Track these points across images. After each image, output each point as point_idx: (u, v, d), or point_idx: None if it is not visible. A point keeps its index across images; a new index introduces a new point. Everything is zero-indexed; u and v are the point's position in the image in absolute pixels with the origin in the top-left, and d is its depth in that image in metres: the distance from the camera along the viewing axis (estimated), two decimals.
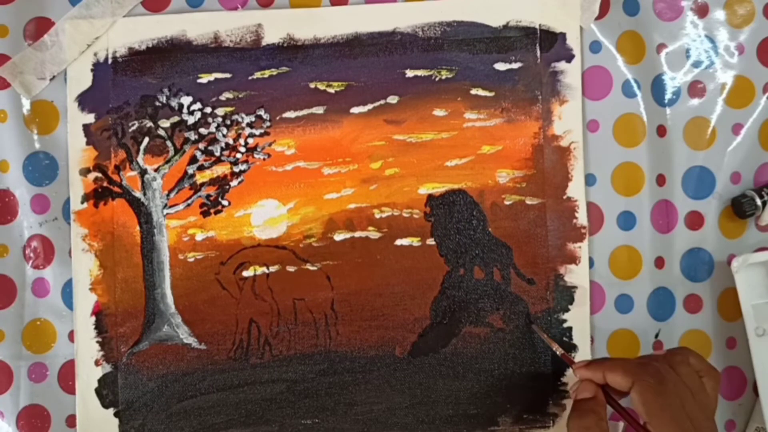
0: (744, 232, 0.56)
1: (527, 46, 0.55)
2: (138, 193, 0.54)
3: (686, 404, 0.42)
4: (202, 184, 0.55)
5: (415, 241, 0.55)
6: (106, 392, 0.54)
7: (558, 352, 0.50)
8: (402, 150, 0.55)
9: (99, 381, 0.54)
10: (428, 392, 0.54)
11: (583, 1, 0.55)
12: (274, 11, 0.55)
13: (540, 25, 0.55)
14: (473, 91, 0.55)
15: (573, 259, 0.55)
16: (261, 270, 0.54)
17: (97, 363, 0.54)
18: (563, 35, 0.55)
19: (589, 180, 0.55)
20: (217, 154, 0.55)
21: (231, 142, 0.55)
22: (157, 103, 0.54)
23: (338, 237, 0.55)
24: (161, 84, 0.54)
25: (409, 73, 0.55)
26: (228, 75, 0.55)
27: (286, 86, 0.55)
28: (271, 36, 0.55)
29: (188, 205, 0.55)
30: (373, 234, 0.55)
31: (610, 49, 0.55)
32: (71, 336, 0.54)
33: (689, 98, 0.56)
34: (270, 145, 0.55)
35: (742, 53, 0.56)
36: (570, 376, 0.55)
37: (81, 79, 0.54)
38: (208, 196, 0.55)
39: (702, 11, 0.56)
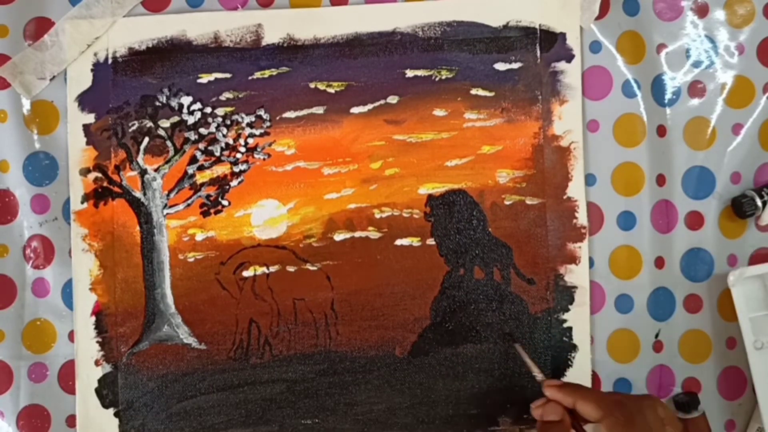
0: (744, 232, 0.56)
1: (527, 46, 0.55)
2: (138, 193, 0.54)
3: None
4: (202, 184, 0.55)
5: (415, 241, 0.55)
6: (106, 392, 0.54)
7: (537, 377, 0.50)
8: (402, 150, 0.55)
9: (99, 381, 0.54)
10: (428, 392, 0.54)
11: (583, 1, 0.55)
12: (274, 11, 0.55)
13: (540, 25, 0.55)
14: (473, 91, 0.55)
15: (573, 259, 0.55)
16: (261, 270, 0.54)
17: (97, 363, 0.54)
18: (563, 35, 0.55)
19: (589, 180, 0.55)
20: (217, 154, 0.55)
21: (231, 142, 0.55)
22: (157, 103, 0.54)
23: (338, 237, 0.55)
24: (161, 84, 0.54)
25: (409, 73, 0.55)
26: (228, 75, 0.55)
27: (286, 86, 0.55)
28: (271, 36, 0.55)
29: (188, 205, 0.55)
30: (373, 234, 0.55)
31: (610, 49, 0.55)
32: (71, 336, 0.54)
33: (689, 98, 0.56)
34: (270, 145, 0.55)
35: (742, 53, 0.56)
36: (570, 375, 0.55)
37: (81, 79, 0.54)
38: (208, 196, 0.55)
39: (702, 11, 0.56)
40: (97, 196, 0.54)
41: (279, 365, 0.54)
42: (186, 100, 0.54)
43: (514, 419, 0.54)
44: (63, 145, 0.54)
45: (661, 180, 0.56)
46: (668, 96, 0.56)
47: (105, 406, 0.54)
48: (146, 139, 0.54)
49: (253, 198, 0.55)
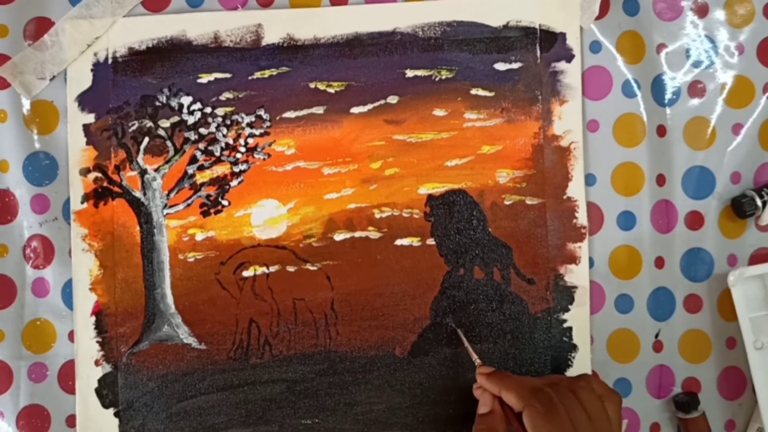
0: (744, 232, 0.56)
1: (527, 46, 0.55)
2: (138, 193, 0.54)
3: (580, 428, 0.44)
4: (202, 184, 0.55)
5: (415, 241, 0.55)
6: (106, 392, 0.54)
7: (476, 362, 0.51)
8: (402, 150, 0.55)
9: (99, 381, 0.54)
10: (428, 392, 0.54)
11: (583, 1, 0.55)
12: (274, 11, 0.55)
13: (540, 25, 0.55)
14: (473, 91, 0.55)
15: (573, 259, 0.55)
16: (261, 270, 0.54)
17: (97, 363, 0.54)
18: (563, 35, 0.55)
19: (589, 180, 0.55)
20: (217, 154, 0.55)
21: (231, 142, 0.55)
22: (157, 103, 0.54)
23: (338, 237, 0.55)
24: (161, 84, 0.54)
25: (409, 73, 0.55)
26: (228, 75, 0.55)
27: (286, 86, 0.55)
28: (271, 36, 0.55)
29: (188, 205, 0.55)
30: (373, 234, 0.55)
31: (610, 49, 0.55)
32: (71, 336, 0.54)
33: (689, 98, 0.56)
34: (270, 145, 0.55)
35: (742, 53, 0.56)
36: (570, 375, 0.55)
37: (81, 79, 0.54)
38: (208, 196, 0.55)
39: (702, 11, 0.56)
40: (97, 196, 0.54)
41: (279, 365, 0.54)
42: (186, 100, 0.54)
43: None
44: (63, 145, 0.54)
45: (661, 180, 0.56)
46: (668, 96, 0.56)
47: (105, 406, 0.54)
48: (146, 139, 0.54)
49: (253, 198, 0.55)
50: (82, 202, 0.54)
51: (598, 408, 0.45)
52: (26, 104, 0.54)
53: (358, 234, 0.55)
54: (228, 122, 0.55)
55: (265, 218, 0.55)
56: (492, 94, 0.55)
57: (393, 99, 0.55)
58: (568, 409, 0.44)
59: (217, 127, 0.55)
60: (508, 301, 0.55)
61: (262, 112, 0.55)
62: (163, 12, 0.55)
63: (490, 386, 0.48)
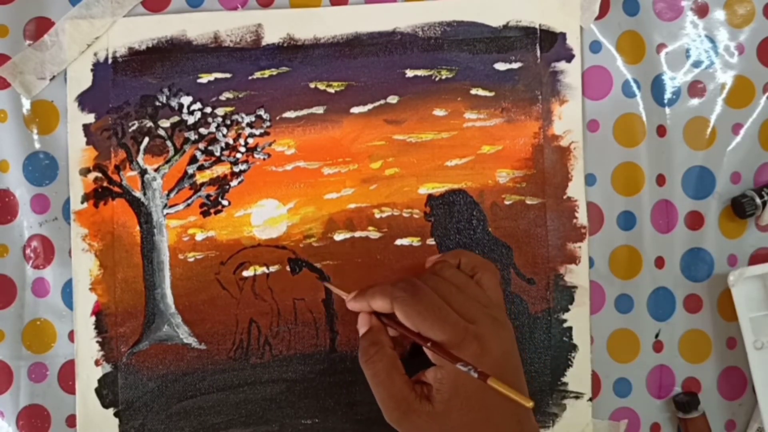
0: (744, 232, 0.56)
1: (527, 46, 0.55)
2: (138, 193, 0.54)
3: (453, 301, 0.43)
4: (202, 184, 0.55)
5: (415, 241, 0.55)
6: (106, 392, 0.54)
7: (332, 289, 0.51)
8: (402, 150, 0.55)
9: (99, 381, 0.54)
10: None
11: (583, 1, 0.55)
12: (274, 11, 0.55)
13: (540, 25, 0.55)
14: (473, 91, 0.55)
15: (573, 259, 0.55)
16: (261, 270, 0.54)
17: (97, 363, 0.54)
18: (563, 35, 0.55)
19: (589, 180, 0.55)
20: (217, 154, 0.55)
21: (231, 142, 0.55)
22: (157, 103, 0.54)
23: (338, 237, 0.55)
24: (161, 84, 0.54)
25: (409, 73, 0.55)
26: (228, 75, 0.55)
27: (286, 86, 0.55)
28: (271, 36, 0.55)
29: (188, 205, 0.55)
30: (373, 234, 0.55)
31: (610, 49, 0.55)
32: (71, 336, 0.54)
33: (689, 98, 0.56)
34: (270, 145, 0.55)
35: (742, 53, 0.56)
36: (570, 375, 0.55)
37: (81, 79, 0.54)
38: (208, 196, 0.55)
39: (702, 11, 0.56)
40: (97, 196, 0.54)
41: (279, 365, 0.54)
42: (186, 100, 0.54)
43: None
44: (63, 145, 0.54)
45: (661, 180, 0.56)
46: (668, 96, 0.56)
47: (105, 406, 0.54)
48: (146, 139, 0.54)
49: (253, 198, 0.55)
50: (82, 202, 0.54)
51: (464, 279, 0.45)
52: (26, 104, 0.54)
53: (358, 234, 0.55)
54: (228, 122, 0.55)
55: (265, 218, 0.55)
56: (492, 94, 0.55)
57: (393, 99, 0.55)
58: (435, 288, 0.44)
59: (217, 127, 0.55)
60: (508, 301, 0.55)
61: (262, 112, 0.55)
62: (163, 12, 0.55)
63: (359, 305, 0.46)
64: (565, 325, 0.55)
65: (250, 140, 0.55)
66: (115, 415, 0.54)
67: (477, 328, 0.43)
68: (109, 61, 0.54)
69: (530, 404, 0.38)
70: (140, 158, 0.54)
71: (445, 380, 0.43)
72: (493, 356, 0.43)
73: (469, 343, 0.42)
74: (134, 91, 0.54)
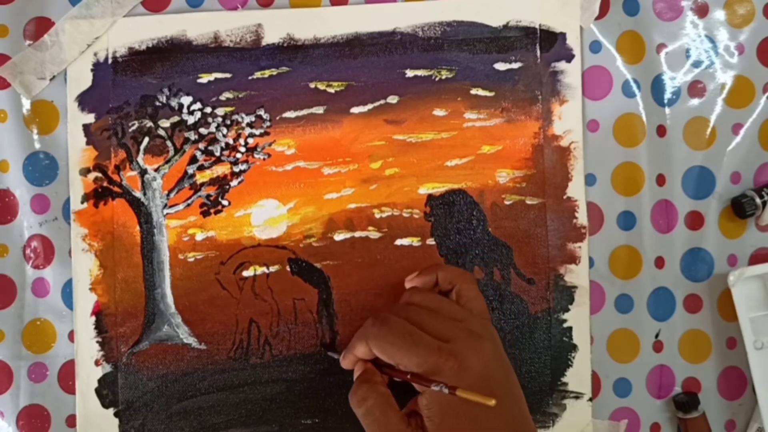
0: (744, 232, 0.56)
1: (527, 46, 0.55)
2: (138, 193, 0.54)
3: (425, 324, 0.43)
4: (202, 184, 0.55)
5: (415, 241, 0.55)
6: (106, 392, 0.54)
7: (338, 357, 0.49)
8: (402, 150, 0.55)
9: (99, 381, 0.54)
10: None
11: (583, 1, 0.55)
12: (274, 11, 0.55)
13: (540, 25, 0.55)
14: (473, 91, 0.55)
15: (573, 259, 0.55)
16: (261, 270, 0.54)
17: (97, 363, 0.54)
18: (563, 35, 0.55)
19: (589, 180, 0.55)
20: (217, 154, 0.55)
21: (231, 142, 0.55)
22: (157, 103, 0.54)
23: (338, 237, 0.55)
24: (161, 84, 0.54)
25: (409, 73, 0.55)
26: (228, 75, 0.55)
27: (286, 86, 0.55)
28: (271, 36, 0.55)
29: (188, 205, 0.55)
30: (373, 234, 0.55)
31: (610, 49, 0.55)
32: (71, 336, 0.54)
33: (689, 98, 0.56)
34: (270, 145, 0.55)
35: (742, 53, 0.56)
36: (570, 375, 0.55)
37: (81, 79, 0.54)
38: (208, 196, 0.55)
39: (702, 11, 0.56)
40: (97, 196, 0.54)
41: (279, 365, 0.54)
42: (186, 100, 0.54)
43: None
44: (63, 145, 0.54)
45: (661, 180, 0.56)
46: (668, 96, 0.56)
47: (105, 406, 0.54)
48: (146, 139, 0.54)
49: (253, 198, 0.55)
50: (82, 202, 0.54)
51: (436, 300, 0.45)
52: (26, 104, 0.54)
53: (358, 234, 0.55)
54: (228, 122, 0.55)
55: (265, 218, 0.55)
56: (492, 94, 0.55)
57: (393, 99, 0.55)
58: (406, 316, 0.43)
59: (217, 127, 0.55)
60: (508, 301, 0.55)
61: (262, 112, 0.55)
62: (163, 12, 0.55)
63: (348, 360, 0.47)
64: (565, 325, 0.55)
65: (250, 140, 0.55)
66: (115, 415, 0.54)
67: (452, 345, 0.42)
68: (109, 61, 0.54)
69: (492, 402, 0.38)
70: (140, 158, 0.54)
71: (432, 405, 0.42)
72: (474, 369, 0.42)
73: (444, 362, 0.41)
74: (134, 91, 0.54)
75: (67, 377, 0.54)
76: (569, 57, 0.55)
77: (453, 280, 0.47)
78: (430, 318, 0.44)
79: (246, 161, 0.55)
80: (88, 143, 0.54)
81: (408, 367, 0.42)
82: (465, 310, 0.46)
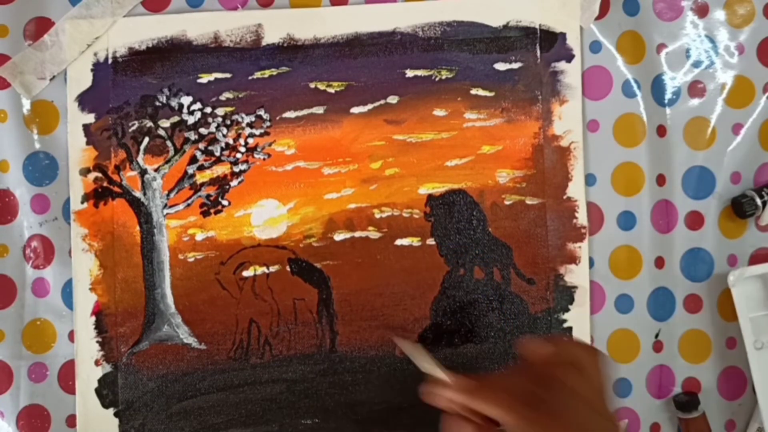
0: (744, 232, 0.56)
1: (527, 46, 0.55)
2: (138, 193, 0.54)
3: (579, 415, 0.38)
4: (202, 184, 0.55)
5: (415, 241, 0.55)
6: (106, 392, 0.54)
7: (448, 378, 0.43)
8: (402, 150, 0.55)
9: (99, 381, 0.54)
10: None
11: (583, 1, 0.55)
12: (274, 11, 0.55)
13: (540, 25, 0.55)
14: (473, 91, 0.55)
15: (573, 259, 0.55)
16: (261, 270, 0.54)
17: (97, 363, 0.54)
18: (563, 35, 0.55)
19: (589, 180, 0.55)
20: (217, 154, 0.55)
21: (231, 142, 0.55)
22: (157, 103, 0.54)
23: (338, 237, 0.55)
24: (161, 84, 0.54)
25: (409, 73, 0.55)
26: (228, 75, 0.55)
27: (286, 86, 0.55)
28: (271, 36, 0.55)
29: (188, 205, 0.55)
30: (373, 234, 0.55)
31: (610, 49, 0.55)
32: (71, 336, 0.54)
33: (689, 98, 0.56)
34: (270, 145, 0.55)
35: (742, 53, 0.56)
36: None
37: (81, 79, 0.54)
38: (208, 196, 0.55)
39: (702, 11, 0.56)
40: (97, 196, 0.54)
41: (279, 365, 0.54)
42: (186, 100, 0.54)
43: None
44: (63, 145, 0.54)
45: (661, 180, 0.56)
46: (668, 96, 0.56)
47: (105, 406, 0.54)
48: (146, 139, 0.54)
49: (253, 198, 0.55)
50: (82, 202, 0.54)
51: (579, 380, 0.39)
52: (26, 104, 0.54)
53: (358, 234, 0.55)
54: (228, 122, 0.55)
55: (265, 218, 0.55)
56: (492, 94, 0.55)
57: (393, 99, 0.55)
58: (555, 401, 0.38)
59: (217, 127, 0.55)
60: (508, 301, 0.55)
61: (262, 112, 0.55)
62: (163, 12, 0.55)
63: (462, 401, 0.40)
64: (565, 325, 0.55)
65: (250, 140, 0.55)
66: (115, 415, 0.54)
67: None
68: (109, 61, 0.54)
69: None
70: (140, 158, 0.54)
71: None
72: None
73: None
74: (134, 91, 0.54)
75: (67, 377, 0.54)
76: (569, 57, 0.55)
77: (582, 358, 0.41)
78: (577, 404, 0.39)
79: (246, 161, 0.55)
80: (88, 143, 0.54)
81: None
82: (598, 396, 0.40)
